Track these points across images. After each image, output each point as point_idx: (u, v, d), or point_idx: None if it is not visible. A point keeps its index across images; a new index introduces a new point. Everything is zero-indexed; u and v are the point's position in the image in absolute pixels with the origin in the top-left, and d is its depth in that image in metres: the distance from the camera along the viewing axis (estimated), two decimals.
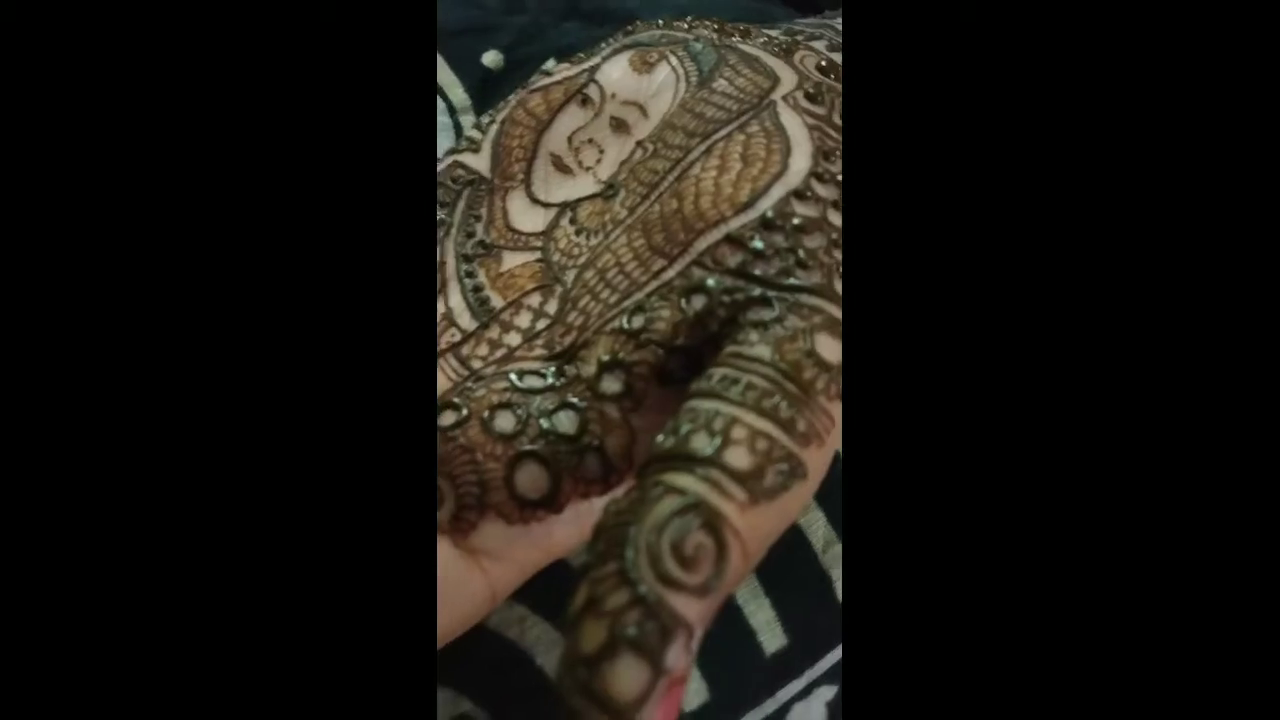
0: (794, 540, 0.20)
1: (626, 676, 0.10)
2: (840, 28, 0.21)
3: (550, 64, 0.26)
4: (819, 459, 0.13)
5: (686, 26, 0.20)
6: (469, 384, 0.16)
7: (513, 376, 0.16)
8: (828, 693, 0.21)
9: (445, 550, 0.15)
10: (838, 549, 0.21)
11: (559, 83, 0.20)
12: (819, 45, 0.19)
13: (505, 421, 0.15)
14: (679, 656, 0.11)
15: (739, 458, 0.12)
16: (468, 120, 0.25)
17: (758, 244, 0.15)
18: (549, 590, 0.15)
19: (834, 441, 0.14)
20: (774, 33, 0.20)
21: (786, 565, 0.20)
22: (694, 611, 0.11)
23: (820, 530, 0.21)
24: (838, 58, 0.19)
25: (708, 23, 0.20)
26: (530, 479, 0.15)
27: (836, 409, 0.14)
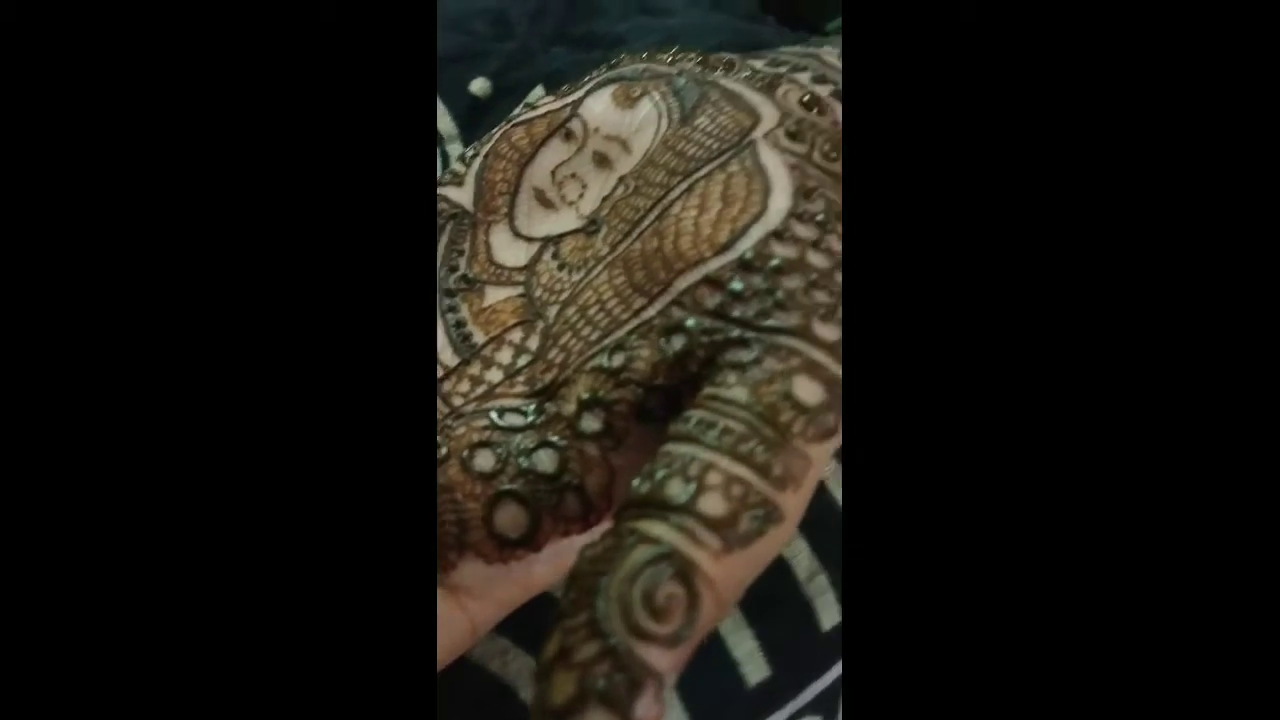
0: (777, 570, 0.20)
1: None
2: (828, 58, 0.21)
3: (535, 94, 0.26)
4: (796, 502, 0.13)
5: (670, 60, 0.20)
6: (449, 421, 0.16)
7: (493, 414, 0.16)
8: None
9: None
10: (822, 579, 0.21)
11: (542, 116, 0.20)
12: (803, 77, 0.19)
13: (485, 460, 0.15)
14: (649, 708, 0.11)
15: (713, 505, 0.12)
16: (455, 149, 0.25)
17: (736, 285, 0.15)
18: (531, 623, 0.15)
19: (811, 483, 0.14)
20: (759, 63, 0.20)
21: (770, 596, 0.20)
22: (665, 662, 0.11)
23: (804, 560, 0.21)
24: (823, 90, 0.19)
25: (692, 55, 0.20)
26: (509, 518, 0.15)
27: (815, 450, 0.14)
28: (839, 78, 0.20)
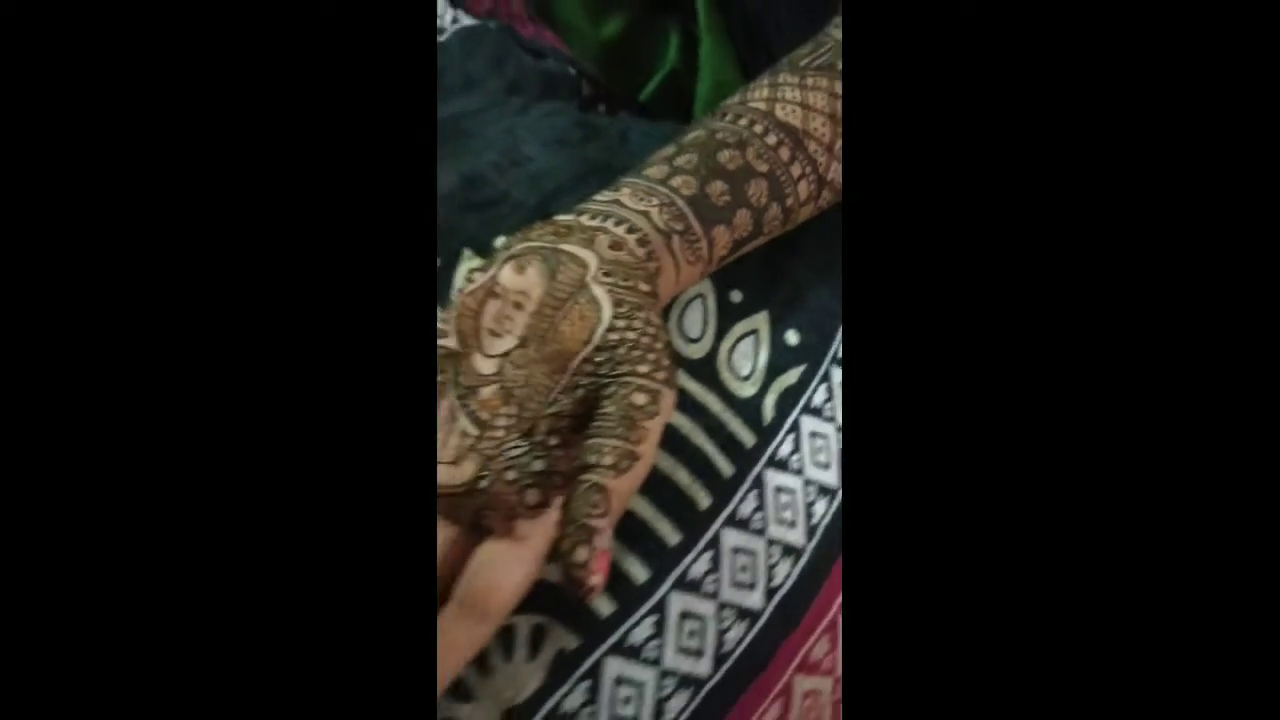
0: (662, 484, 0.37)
1: (584, 552, 0.27)
2: (625, 201, 0.37)
3: (471, 264, 0.42)
4: (646, 449, 0.30)
5: (537, 235, 0.36)
6: (488, 465, 0.32)
7: (507, 451, 0.32)
8: None
9: (504, 546, 0.31)
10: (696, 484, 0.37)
11: (480, 286, 0.36)
12: (609, 225, 0.35)
13: (510, 474, 0.31)
14: (606, 538, 0.27)
15: (610, 460, 0.29)
16: None
17: (598, 359, 0.31)
18: None
19: (654, 439, 0.30)
20: (585, 219, 0.36)
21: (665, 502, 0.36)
22: (606, 528, 0.27)
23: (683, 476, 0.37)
24: (619, 230, 0.35)
25: (548, 228, 0.36)
26: (532, 496, 0.31)
27: (651, 424, 0.30)
28: (634, 216, 0.36)
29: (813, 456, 0.38)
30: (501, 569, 0.30)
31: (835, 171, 0.41)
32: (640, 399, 0.30)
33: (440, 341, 0.35)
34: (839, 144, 0.41)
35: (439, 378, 0.35)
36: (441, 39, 0.53)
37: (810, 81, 0.42)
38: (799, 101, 0.41)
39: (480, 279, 0.36)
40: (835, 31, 0.46)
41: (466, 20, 0.54)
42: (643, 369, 0.31)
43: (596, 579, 0.27)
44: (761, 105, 0.41)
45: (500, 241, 0.38)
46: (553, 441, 0.31)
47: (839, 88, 0.42)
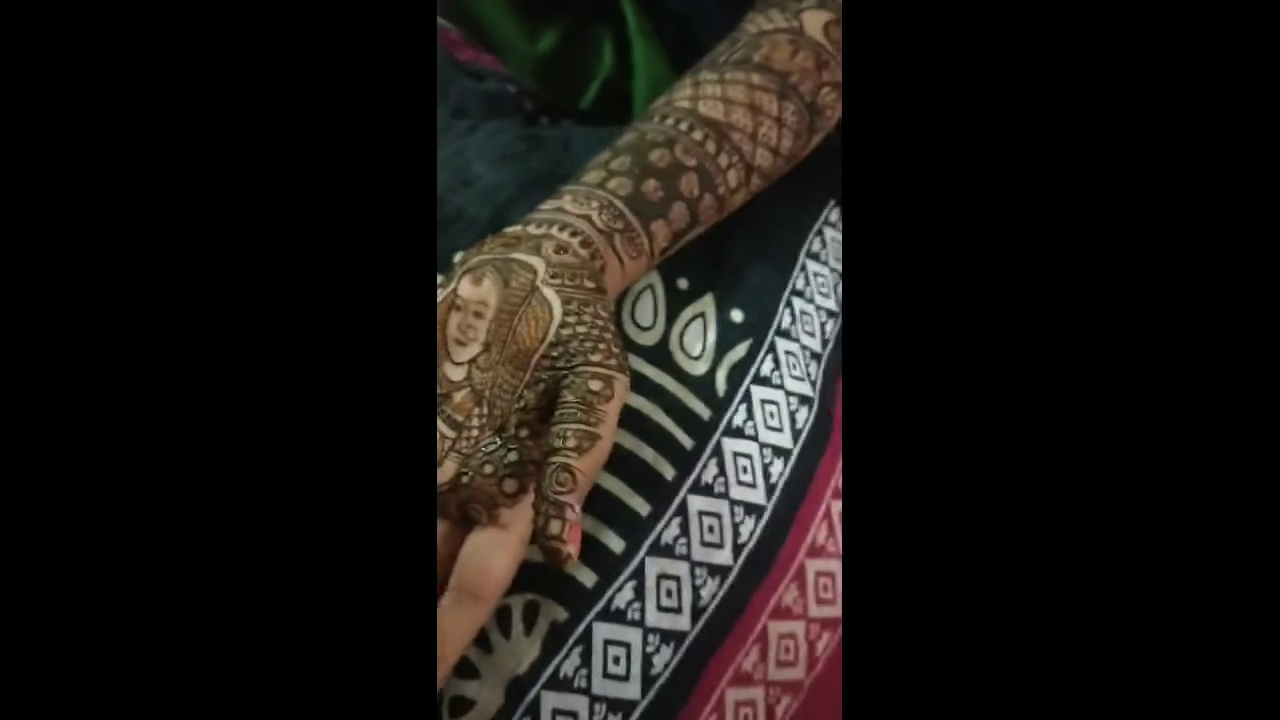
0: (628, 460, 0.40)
1: (557, 525, 0.30)
2: (568, 208, 0.40)
3: (440, 279, 0.45)
4: (606, 430, 0.33)
5: (489, 248, 0.39)
6: (467, 463, 0.35)
7: (483, 448, 0.35)
8: None
9: (490, 533, 0.34)
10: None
11: (443, 300, 0.39)
12: (554, 231, 0.38)
13: (488, 468, 0.34)
14: (576, 510, 0.30)
15: (573, 443, 0.32)
16: None
17: (554, 354, 0.34)
18: None
19: (612, 420, 0.33)
20: (532, 228, 0.39)
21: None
22: (575, 503, 0.31)
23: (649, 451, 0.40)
24: (563, 235, 0.38)
25: (498, 240, 0.39)
26: (510, 485, 0.34)
27: (608, 406, 0.33)
28: (575, 220, 0.39)
29: (765, 422, 0.41)
30: (490, 554, 0.33)
31: (761, 158, 0.44)
32: (596, 385, 0.33)
33: None
34: (761, 130, 0.44)
35: None
36: None
37: (729, 76, 0.45)
38: (719, 96, 0.44)
39: (442, 294, 0.39)
40: (749, 26, 0.49)
41: None
42: (595, 358, 0.34)
43: (571, 549, 0.30)
44: (685, 104, 0.44)
45: (458, 257, 0.41)
46: (523, 434, 0.34)
47: (755, 79, 0.45)
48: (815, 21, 0.47)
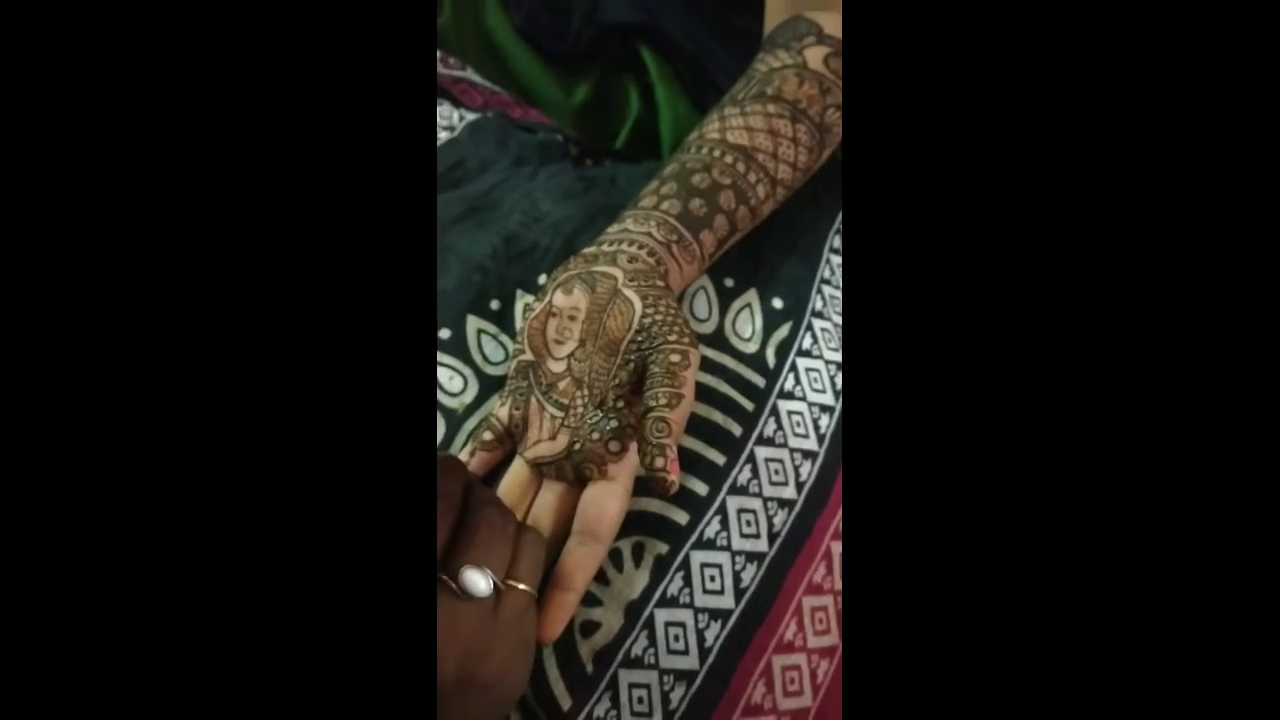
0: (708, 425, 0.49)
1: (660, 461, 0.39)
2: (632, 228, 0.49)
3: (526, 300, 0.54)
4: (688, 390, 0.42)
5: (574, 265, 0.48)
6: (576, 433, 0.44)
7: (588, 420, 0.44)
8: None
9: (602, 485, 0.43)
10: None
11: (540, 310, 0.48)
12: (624, 247, 0.48)
13: (595, 435, 0.43)
14: (673, 450, 0.39)
15: (664, 400, 0.41)
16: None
17: (639, 338, 0.43)
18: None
19: (691, 381, 0.42)
20: (606, 246, 0.48)
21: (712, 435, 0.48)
22: (672, 444, 0.39)
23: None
24: (631, 248, 0.47)
25: (583, 257, 0.48)
26: (614, 445, 0.43)
27: (686, 374, 0.42)
28: (640, 236, 0.48)
29: (811, 385, 0.50)
30: (605, 501, 0.42)
31: (783, 172, 0.53)
32: (675, 357, 0.42)
33: (520, 357, 0.48)
34: (781, 149, 0.53)
35: (522, 383, 0.47)
36: (454, 134, 0.66)
37: (749, 109, 0.55)
38: (743, 125, 0.54)
39: (538, 306, 0.48)
40: (760, 65, 0.59)
41: (470, 116, 0.67)
42: (673, 337, 0.43)
43: (673, 477, 0.39)
44: (715, 135, 0.53)
45: (543, 279, 0.50)
46: (620, 405, 0.43)
47: (771, 108, 0.54)
48: (816, 56, 0.56)
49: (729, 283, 0.53)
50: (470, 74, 0.74)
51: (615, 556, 0.44)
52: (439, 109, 0.68)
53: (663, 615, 0.43)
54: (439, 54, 0.74)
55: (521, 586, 0.37)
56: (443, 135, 0.66)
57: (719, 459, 0.46)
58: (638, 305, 0.44)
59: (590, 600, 0.43)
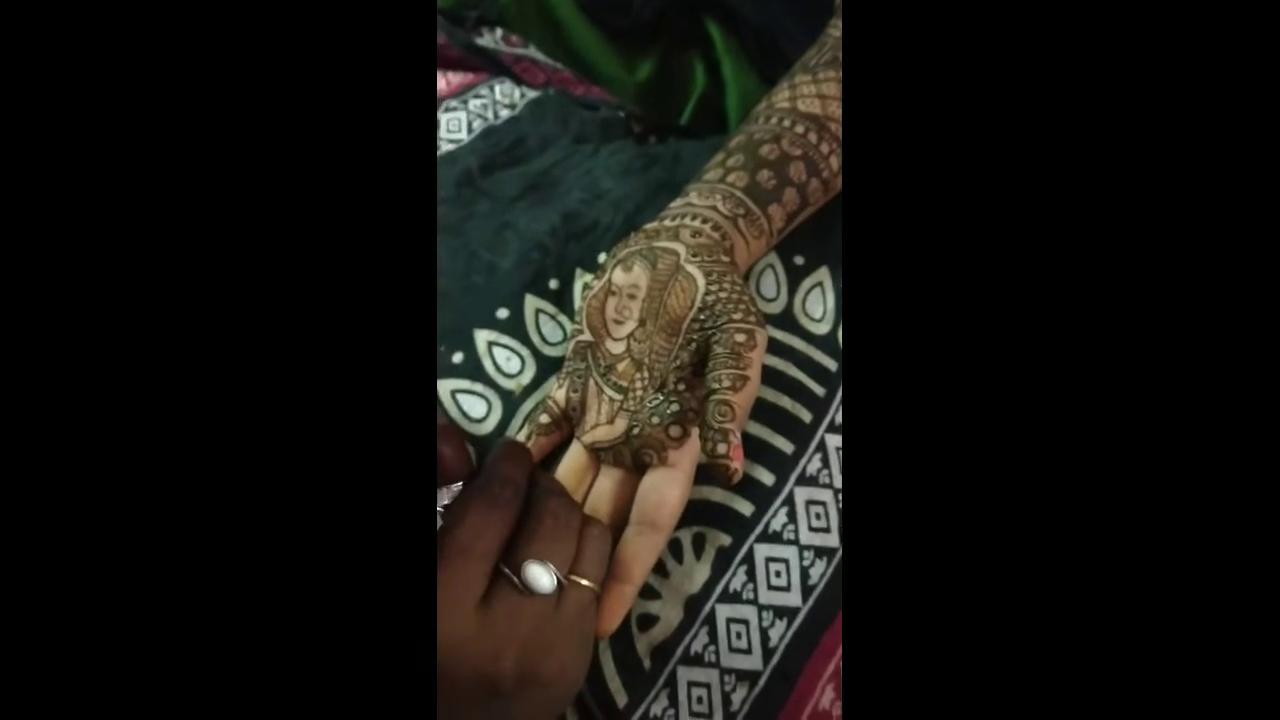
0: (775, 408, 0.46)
1: (723, 447, 0.36)
2: (695, 200, 0.47)
3: (586, 279, 0.52)
4: (754, 372, 0.39)
5: (634, 241, 0.46)
6: (635, 418, 0.42)
7: (648, 404, 0.42)
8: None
9: (662, 472, 0.40)
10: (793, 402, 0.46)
11: (600, 289, 0.46)
12: (686, 221, 0.45)
13: (654, 420, 0.41)
14: (737, 435, 0.36)
15: (728, 383, 0.38)
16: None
17: (701, 317, 0.41)
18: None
19: (758, 363, 0.39)
20: (668, 222, 0.46)
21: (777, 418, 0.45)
22: (735, 429, 0.37)
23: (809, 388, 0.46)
24: (695, 223, 0.45)
25: (644, 233, 0.46)
26: (675, 431, 0.41)
27: (752, 354, 0.39)
28: (704, 210, 0.45)
29: None
30: (664, 488, 0.40)
31: None
32: (740, 337, 0.39)
33: (578, 337, 0.46)
34: None
35: (580, 365, 0.45)
36: (515, 112, 0.65)
37: (822, 75, 0.51)
38: (816, 94, 0.50)
39: (597, 285, 0.46)
40: (833, 31, 0.55)
41: (531, 93, 0.65)
42: (738, 316, 0.40)
43: (736, 464, 0.36)
44: (785, 104, 0.50)
45: (603, 257, 0.48)
46: (681, 388, 0.41)
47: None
48: None
49: (799, 260, 0.50)
50: (532, 51, 0.72)
51: (675, 547, 0.42)
52: (501, 86, 0.66)
53: (724, 611, 0.40)
54: (501, 33, 0.72)
55: (585, 583, 0.35)
56: (504, 113, 0.65)
57: (787, 447, 0.43)
58: (701, 282, 0.41)
59: (648, 593, 0.41)
